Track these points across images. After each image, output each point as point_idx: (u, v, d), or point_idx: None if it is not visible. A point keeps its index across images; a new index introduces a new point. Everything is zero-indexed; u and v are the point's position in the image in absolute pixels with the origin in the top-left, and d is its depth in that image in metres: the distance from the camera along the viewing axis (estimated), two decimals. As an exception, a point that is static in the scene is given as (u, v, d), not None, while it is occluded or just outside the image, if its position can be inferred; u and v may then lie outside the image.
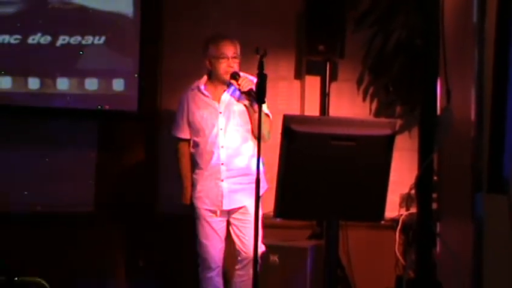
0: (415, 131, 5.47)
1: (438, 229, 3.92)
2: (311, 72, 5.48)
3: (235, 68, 4.36)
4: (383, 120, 4.74)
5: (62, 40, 5.27)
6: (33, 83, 5.26)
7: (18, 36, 5.24)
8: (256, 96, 4.05)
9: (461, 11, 3.10)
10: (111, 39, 5.31)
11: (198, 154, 4.42)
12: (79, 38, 5.27)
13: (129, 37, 5.32)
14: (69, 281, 5.15)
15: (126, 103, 5.32)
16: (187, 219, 5.32)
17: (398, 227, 4.90)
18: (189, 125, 4.44)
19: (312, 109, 5.43)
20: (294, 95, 5.51)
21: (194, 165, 4.48)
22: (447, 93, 2.93)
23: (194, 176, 4.47)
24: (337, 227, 3.36)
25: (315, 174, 3.15)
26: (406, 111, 5.47)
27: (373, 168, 3.17)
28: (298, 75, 5.54)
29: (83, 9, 5.29)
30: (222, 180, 4.35)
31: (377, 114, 5.54)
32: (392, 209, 5.13)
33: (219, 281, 4.45)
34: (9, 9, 5.24)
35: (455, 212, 3.23)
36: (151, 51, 5.38)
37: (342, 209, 3.22)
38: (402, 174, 4.89)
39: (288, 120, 3.18)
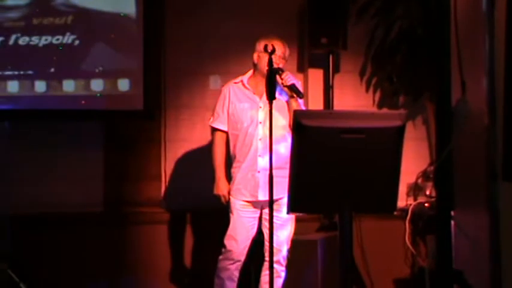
0: (419, 121, 5.51)
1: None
2: (314, 65, 5.49)
3: (280, 66, 4.37)
4: (393, 112, 4.76)
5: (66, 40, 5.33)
6: (40, 86, 5.31)
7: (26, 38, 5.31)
8: (298, 92, 4.24)
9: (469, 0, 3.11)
10: (115, 39, 5.33)
11: (236, 147, 4.47)
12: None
13: (133, 37, 5.34)
14: (79, 280, 5.17)
15: (132, 102, 5.35)
16: (195, 215, 5.38)
17: (408, 216, 4.90)
18: (229, 117, 4.50)
19: (316, 102, 5.44)
20: (297, 89, 5.52)
21: (232, 159, 4.51)
22: (462, 85, 2.94)
23: (232, 170, 4.50)
24: (351, 220, 3.36)
25: (327, 168, 3.15)
26: (410, 100, 5.49)
27: (384, 160, 3.18)
28: (301, 68, 5.55)
29: (85, 11, 5.32)
30: (259, 172, 4.37)
31: (380, 104, 5.56)
32: (400, 198, 5.12)
33: (236, 274, 4.48)
34: (14, 14, 5.29)
35: (470, 201, 3.25)
36: (155, 50, 5.39)
37: (355, 202, 3.23)
38: (408, 163, 4.83)
39: (298, 115, 3.19)
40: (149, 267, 5.31)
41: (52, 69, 5.33)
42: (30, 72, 5.32)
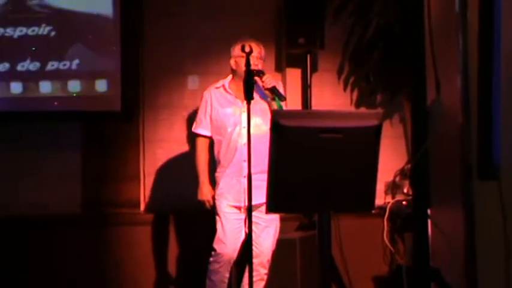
0: (396, 119, 5.55)
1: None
2: (292, 64, 5.51)
3: (259, 67, 4.41)
4: (370, 111, 4.79)
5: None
6: (16, 88, 5.28)
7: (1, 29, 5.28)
8: (279, 94, 4.30)
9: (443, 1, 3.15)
10: (93, 40, 5.32)
11: (220, 152, 4.48)
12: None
13: (110, 37, 5.33)
14: (57, 282, 5.15)
15: (109, 103, 5.33)
16: (174, 217, 5.38)
17: (386, 215, 4.93)
18: (212, 122, 4.51)
19: (294, 101, 5.45)
20: (275, 88, 5.53)
21: (216, 164, 4.52)
22: (436, 85, 2.97)
23: (216, 174, 4.52)
24: (329, 219, 3.39)
25: (305, 168, 3.16)
26: (387, 99, 5.52)
27: (362, 159, 3.20)
28: (279, 68, 5.56)
29: (61, 12, 5.29)
30: (244, 177, 4.28)
31: (358, 103, 5.58)
32: (378, 196, 5.15)
33: (227, 276, 4.49)
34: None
35: (446, 200, 3.28)
36: (132, 50, 5.38)
37: (333, 201, 3.24)
38: (385, 161, 4.86)
39: (276, 115, 3.21)
40: (129, 268, 5.30)
41: (28, 68, 5.29)
42: (5, 64, 5.29)
